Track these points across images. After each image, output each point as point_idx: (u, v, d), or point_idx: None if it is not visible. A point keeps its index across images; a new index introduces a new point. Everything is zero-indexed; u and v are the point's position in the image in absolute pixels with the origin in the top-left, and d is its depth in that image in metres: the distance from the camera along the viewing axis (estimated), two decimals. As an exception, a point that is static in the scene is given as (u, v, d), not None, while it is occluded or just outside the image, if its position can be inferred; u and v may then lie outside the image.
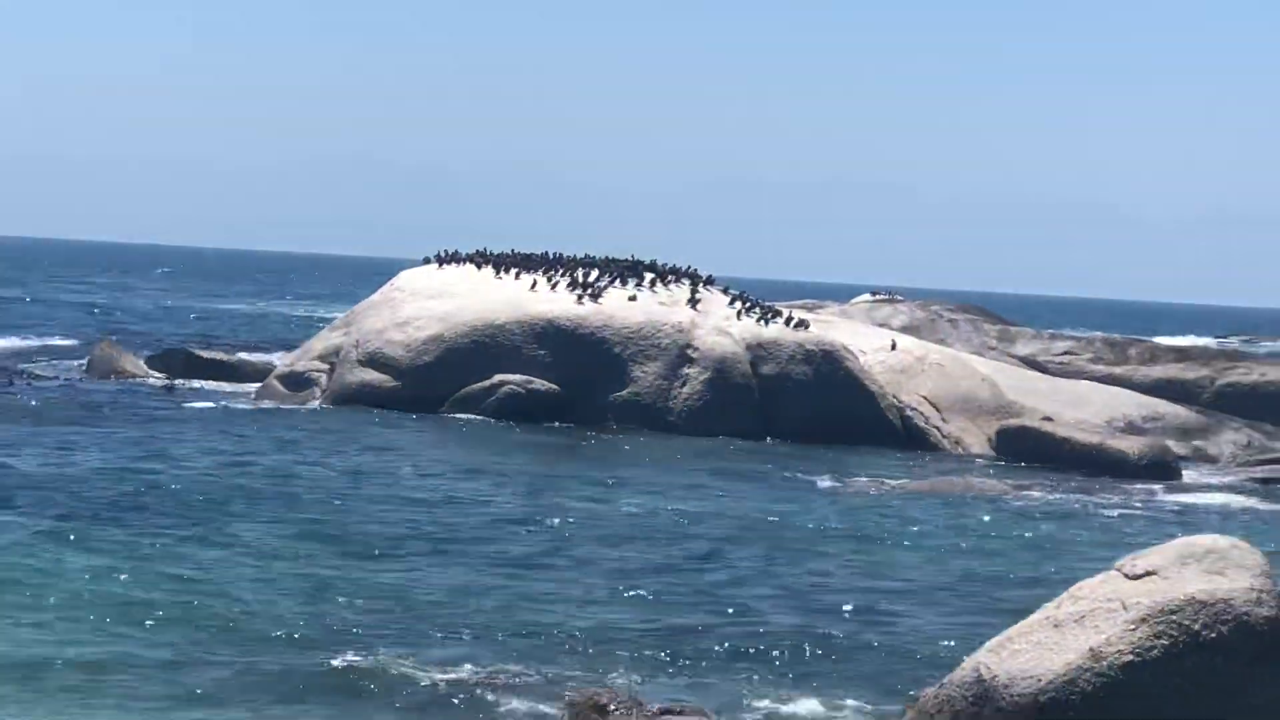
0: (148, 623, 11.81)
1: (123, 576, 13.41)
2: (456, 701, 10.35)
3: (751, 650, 12.33)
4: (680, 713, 9.81)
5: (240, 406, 26.62)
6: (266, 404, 26.88)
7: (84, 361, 31.91)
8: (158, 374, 29.91)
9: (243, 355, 34.17)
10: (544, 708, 10.22)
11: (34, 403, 25.17)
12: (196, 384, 28.82)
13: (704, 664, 11.87)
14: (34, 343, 39.16)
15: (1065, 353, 33.17)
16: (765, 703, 10.83)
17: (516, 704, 10.25)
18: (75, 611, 12.09)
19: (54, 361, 33.69)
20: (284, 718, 9.97)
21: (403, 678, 10.68)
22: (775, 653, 12.26)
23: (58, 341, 39.07)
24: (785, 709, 10.69)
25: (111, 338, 35.31)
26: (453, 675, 10.81)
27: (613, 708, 9.68)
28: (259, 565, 14.44)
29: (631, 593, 14.29)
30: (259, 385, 28.41)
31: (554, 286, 26.69)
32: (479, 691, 10.49)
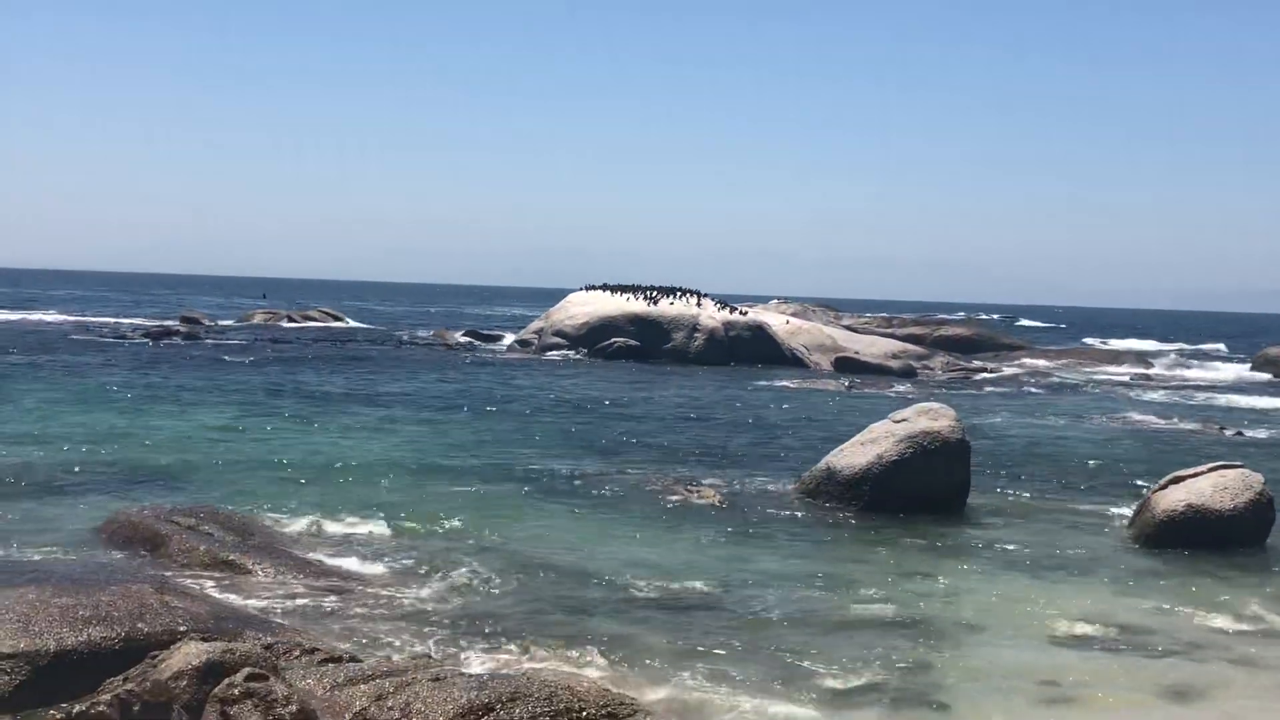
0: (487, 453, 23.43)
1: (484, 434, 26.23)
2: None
3: (739, 451, 22.72)
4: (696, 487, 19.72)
5: (497, 358, 48.87)
6: (510, 355, 49.02)
7: (430, 334, 60.94)
8: (463, 339, 58.59)
9: (492, 332, 62.81)
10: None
11: (417, 357, 48.22)
12: (482, 345, 56.81)
13: (718, 458, 21.96)
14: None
15: (864, 324, 60.09)
16: (740, 471, 20.66)
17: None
18: (464, 444, 23.20)
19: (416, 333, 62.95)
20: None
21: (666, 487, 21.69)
22: (740, 454, 22.94)
23: (421, 331, 67.96)
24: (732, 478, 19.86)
25: (444, 328, 64.72)
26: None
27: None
28: (545, 423, 28.13)
29: (688, 428, 26.10)
30: (505, 346, 55.99)
31: (636, 298, 50.94)
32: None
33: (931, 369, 49.58)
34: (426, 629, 11.43)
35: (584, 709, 8.59)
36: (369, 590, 12.69)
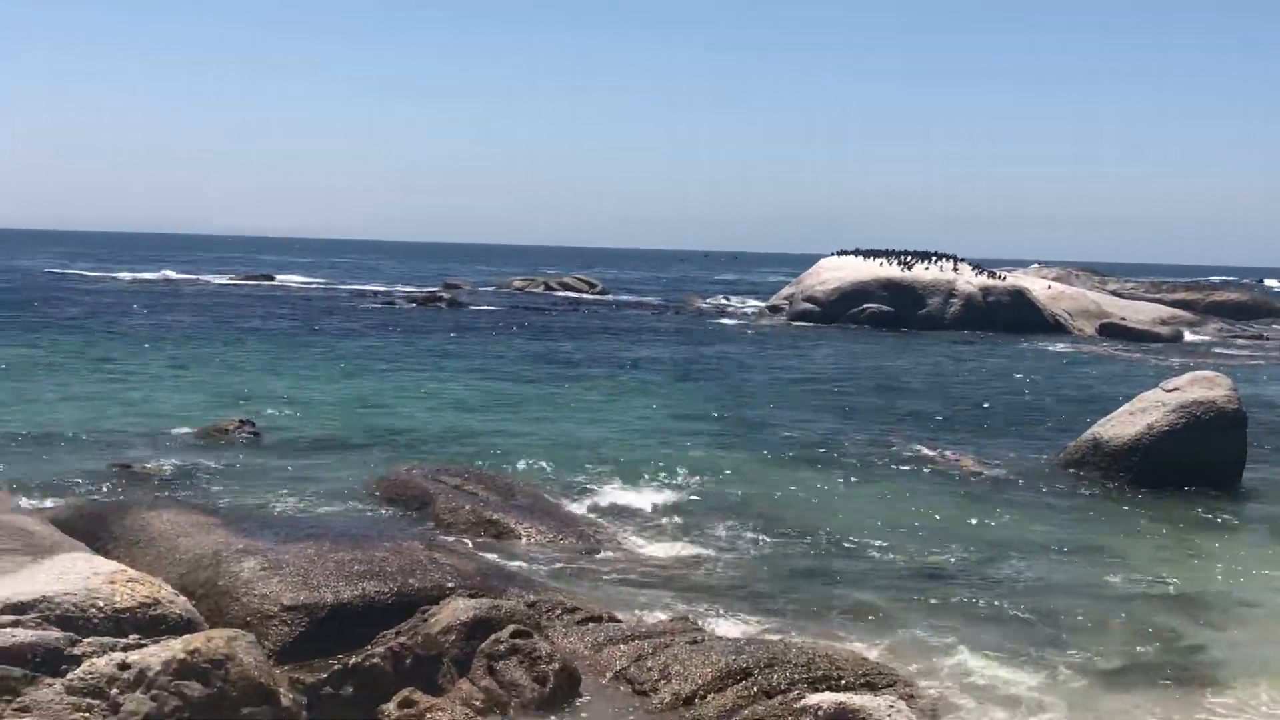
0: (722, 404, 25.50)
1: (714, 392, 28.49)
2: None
3: (996, 420, 22.17)
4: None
5: (745, 324, 48.88)
6: (761, 322, 49.35)
7: (675, 300, 61.48)
8: (711, 305, 58.91)
9: (740, 299, 62.80)
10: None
11: (664, 323, 50.04)
12: (730, 311, 57.09)
13: (975, 427, 21.46)
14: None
15: (1130, 289, 57.04)
16: (997, 441, 19.73)
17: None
18: (714, 409, 23.83)
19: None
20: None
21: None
22: (998, 423, 22.26)
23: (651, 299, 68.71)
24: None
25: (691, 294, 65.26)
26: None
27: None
28: (796, 389, 28.29)
29: (942, 395, 25.65)
30: (754, 312, 56.03)
31: (889, 263, 50.03)
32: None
33: (1203, 335, 47.46)
34: (681, 592, 11.52)
35: (842, 676, 8.53)
36: (625, 552, 12.86)
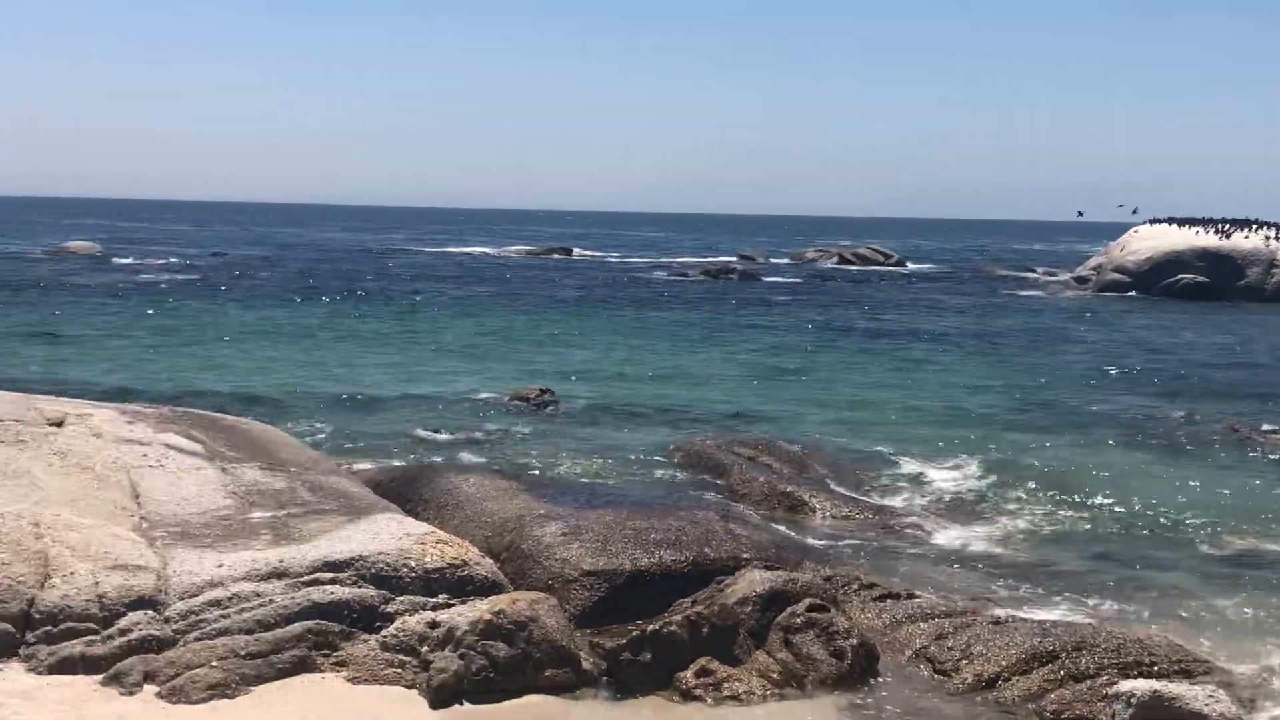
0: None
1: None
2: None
3: None
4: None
5: (1048, 295, 48.41)
6: (1068, 293, 48.24)
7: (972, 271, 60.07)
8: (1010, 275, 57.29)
9: (1043, 269, 60.84)
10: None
11: (959, 294, 51.14)
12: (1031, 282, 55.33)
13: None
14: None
15: None
16: None
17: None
18: (1016, 384, 23.64)
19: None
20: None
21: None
22: None
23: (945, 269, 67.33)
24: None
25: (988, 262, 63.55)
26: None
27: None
28: (1101, 363, 28.34)
29: (1265, 372, 24.17)
30: (1061, 282, 54.11)
31: (1205, 231, 47.37)
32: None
33: None
34: (981, 570, 11.20)
35: (1155, 663, 8.13)
36: (921, 528, 12.59)
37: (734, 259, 69.51)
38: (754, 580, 8.55)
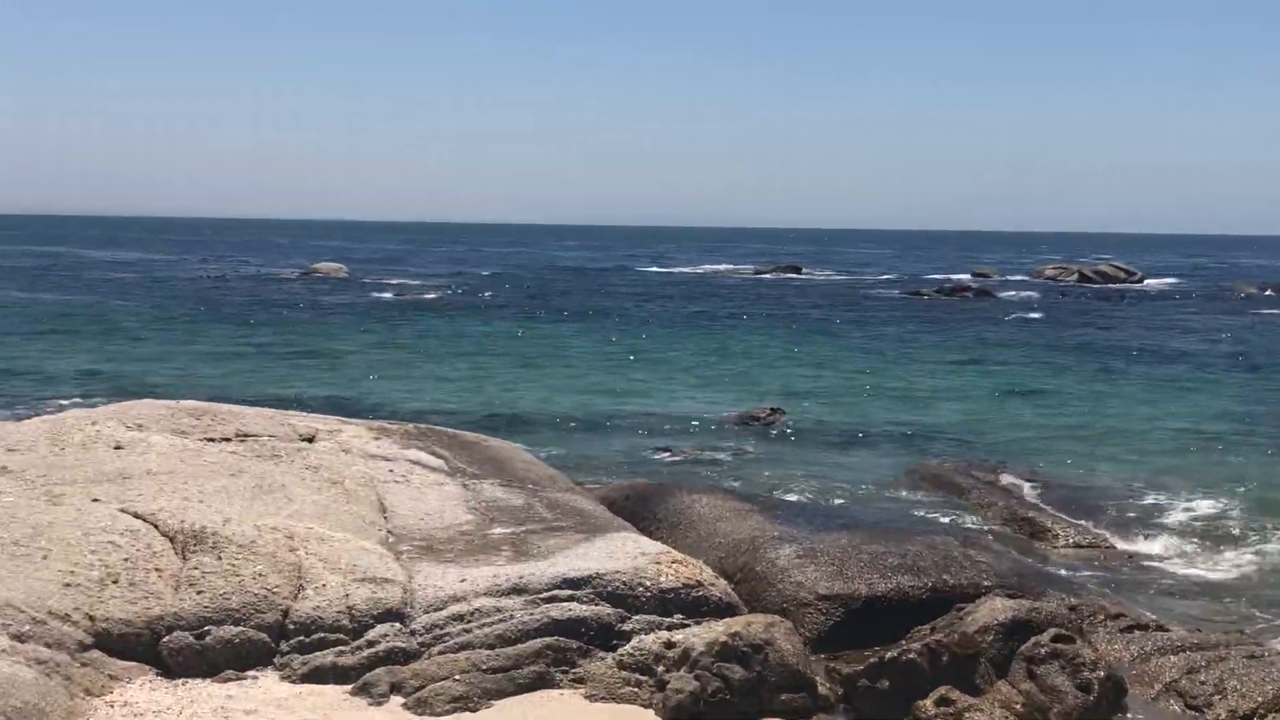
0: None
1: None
2: None
3: None
4: None
5: None
6: None
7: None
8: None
9: None
10: None
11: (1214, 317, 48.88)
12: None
13: None
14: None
15: None
16: None
17: None
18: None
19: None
20: None
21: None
22: None
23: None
24: None
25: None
26: None
27: None
28: None
29: None
30: None
31: None
32: None
33: None
34: (1234, 603, 10.69)
35: None
36: (1170, 559, 12.08)
37: (968, 276, 68.15)
38: (996, 608, 8.30)
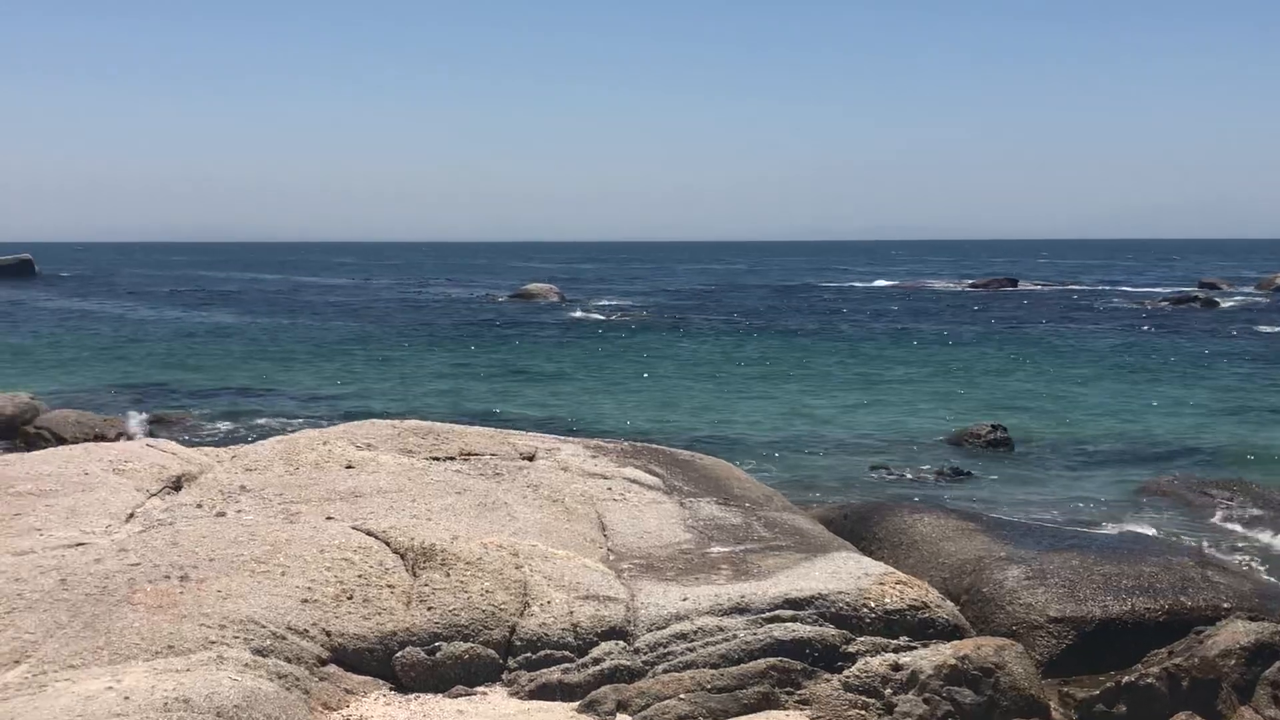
0: None
1: None
2: None
3: None
4: None
5: None
6: None
7: None
8: None
9: None
10: None
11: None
12: None
13: None
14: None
15: None
16: None
17: None
18: None
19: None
20: None
21: None
22: None
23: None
24: None
25: None
26: None
27: None
28: None
29: None
30: None
31: None
32: None
33: None
34: None
35: None
36: None
37: (1194, 288, 65.64)
38: (1238, 631, 7.93)
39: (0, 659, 6.61)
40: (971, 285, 73.82)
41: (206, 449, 11.23)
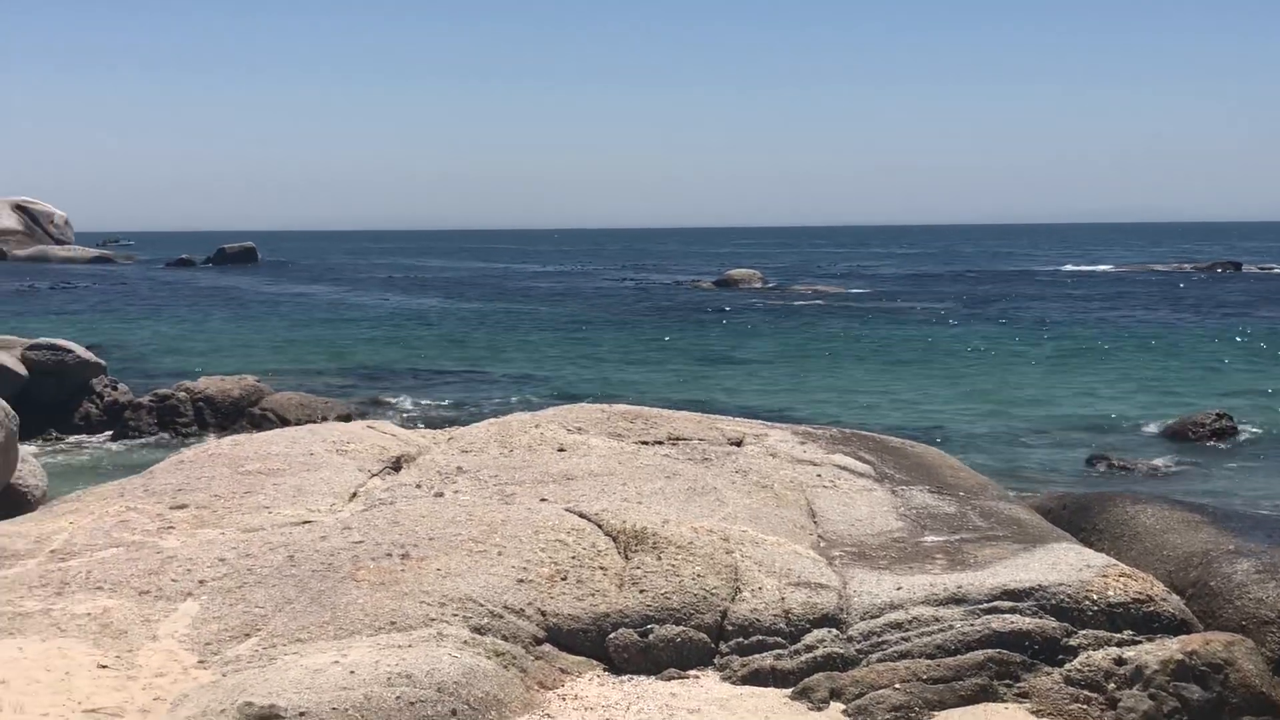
0: None
1: None
2: None
3: None
4: None
5: None
6: None
7: None
8: None
9: None
10: None
11: None
12: None
13: None
14: None
15: None
16: None
17: None
18: None
19: None
20: None
21: None
22: None
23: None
24: None
25: None
26: None
27: None
28: None
29: None
30: None
31: None
32: None
33: None
34: None
35: None
36: None
37: None
38: None
39: (232, 631, 6.89)
40: (1192, 268, 71.13)
41: (423, 430, 11.54)
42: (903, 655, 7.06)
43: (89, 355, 20.40)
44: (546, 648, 7.12)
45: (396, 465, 10.06)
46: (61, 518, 8.79)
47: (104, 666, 6.39)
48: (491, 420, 11.38)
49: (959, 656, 7.01)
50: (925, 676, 6.91)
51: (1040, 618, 7.22)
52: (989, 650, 7.03)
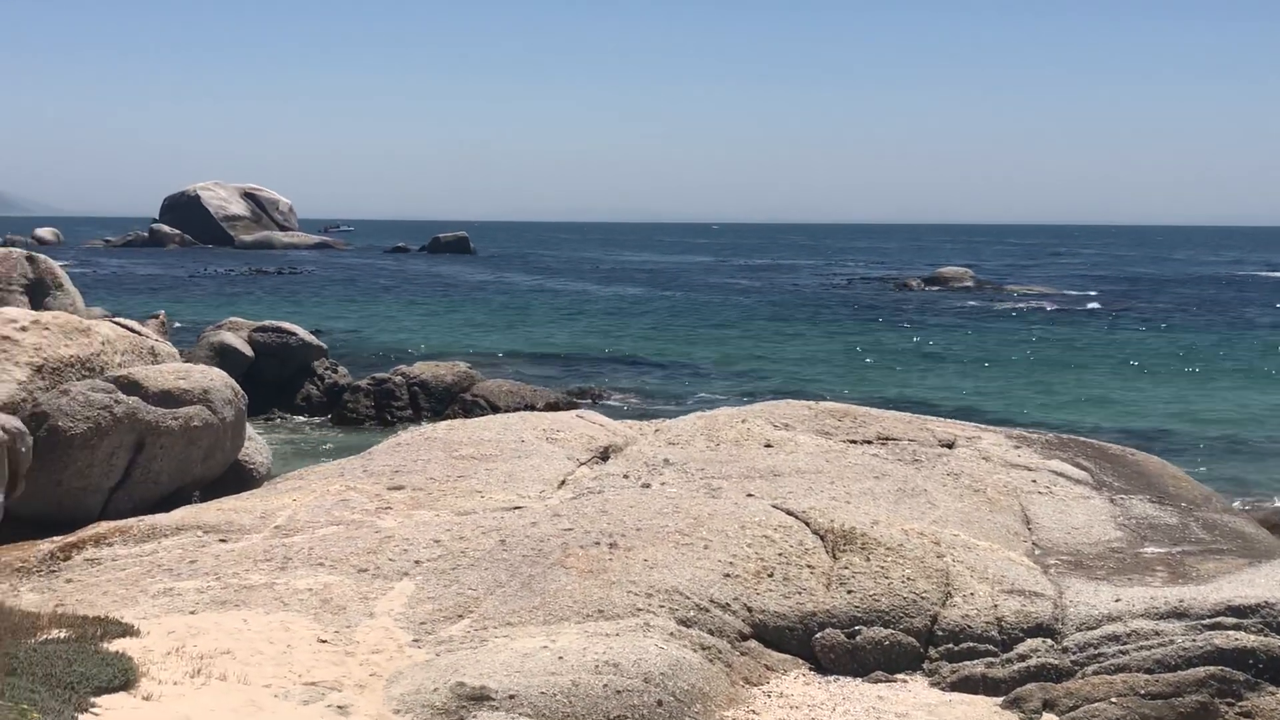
0: None
1: None
2: None
3: None
4: None
5: None
6: None
7: None
8: None
9: None
10: None
11: None
12: None
13: None
14: None
15: None
16: None
17: None
18: None
19: None
20: None
21: None
22: None
23: None
24: None
25: None
26: None
27: None
28: None
29: None
30: None
31: None
32: None
33: None
34: None
35: None
36: None
37: None
38: None
39: (445, 612, 7.05)
40: None
41: (630, 421, 11.63)
42: (1120, 669, 6.83)
43: (311, 338, 21.12)
44: (752, 644, 7.10)
45: (604, 455, 10.16)
46: (285, 495, 9.12)
47: (324, 641, 6.60)
48: (698, 414, 11.42)
49: (1179, 672, 6.76)
50: (1143, 691, 6.67)
51: (1267, 635, 6.92)
52: (1210, 667, 6.77)
